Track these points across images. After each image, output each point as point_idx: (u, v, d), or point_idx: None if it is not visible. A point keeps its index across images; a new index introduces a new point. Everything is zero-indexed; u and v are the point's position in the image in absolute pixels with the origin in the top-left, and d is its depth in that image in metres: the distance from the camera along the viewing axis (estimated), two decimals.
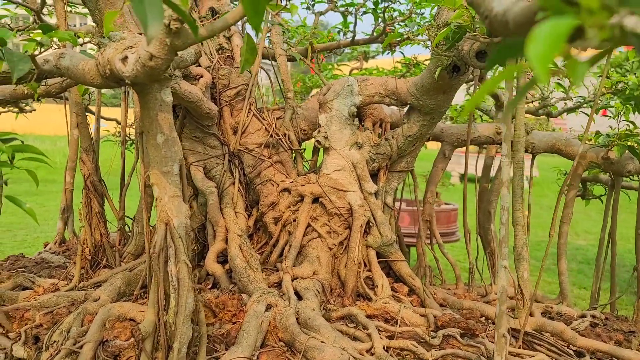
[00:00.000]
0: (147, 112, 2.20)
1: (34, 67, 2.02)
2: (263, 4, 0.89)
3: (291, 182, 3.40)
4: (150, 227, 2.77)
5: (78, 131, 3.62)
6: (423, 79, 2.93)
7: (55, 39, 2.49)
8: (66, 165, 4.35)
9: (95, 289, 3.15)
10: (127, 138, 3.72)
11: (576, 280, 5.83)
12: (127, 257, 3.43)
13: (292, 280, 3.01)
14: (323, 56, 5.41)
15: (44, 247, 4.66)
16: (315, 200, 3.31)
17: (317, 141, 3.26)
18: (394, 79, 3.15)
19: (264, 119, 3.53)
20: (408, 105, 3.28)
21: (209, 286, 3.25)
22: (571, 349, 2.90)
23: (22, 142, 1.89)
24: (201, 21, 3.59)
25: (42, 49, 1.92)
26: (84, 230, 3.35)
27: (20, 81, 2.00)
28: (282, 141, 3.49)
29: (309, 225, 3.27)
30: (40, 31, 1.87)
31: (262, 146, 3.48)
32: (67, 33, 1.92)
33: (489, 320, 3.15)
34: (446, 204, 5.45)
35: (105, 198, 3.44)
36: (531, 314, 3.34)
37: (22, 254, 4.26)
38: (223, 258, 3.31)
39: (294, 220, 3.32)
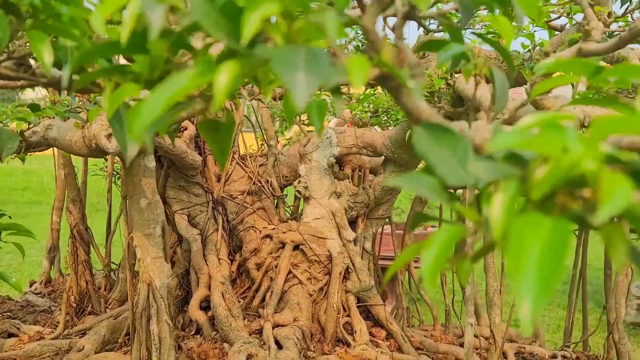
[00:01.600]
0: (131, 178, 2.30)
1: (22, 140, 2.13)
2: (227, 146, 1.00)
3: (273, 229, 3.50)
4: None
5: (64, 172, 3.71)
6: (397, 133, 3.07)
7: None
8: (53, 205, 4.42)
9: (80, 337, 3.22)
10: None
11: (553, 314, 5.96)
12: (112, 304, 3.50)
13: (273, 328, 3.10)
14: None
15: (30, 286, 4.71)
16: (296, 247, 3.42)
17: (298, 191, 3.37)
18: (371, 132, 3.29)
19: (247, 167, 3.64)
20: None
21: (192, 332, 3.33)
22: None
23: (10, 217, 1.99)
24: None
25: (31, 125, 2.03)
26: (69, 277, 3.42)
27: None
28: (264, 188, 3.60)
29: (290, 272, 3.37)
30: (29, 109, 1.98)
31: (245, 193, 3.58)
32: (55, 110, 2.02)
33: None
34: (432, 226, 5.53)
35: (91, 245, 3.52)
36: (505, 355, 3.45)
37: (8, 296, 4.31)
38: (206, 304, 3.39)
39: (276, 267, 3.42)
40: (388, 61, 0.73)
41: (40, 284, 4.60)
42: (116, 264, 3.71)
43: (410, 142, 2.99)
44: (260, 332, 3.15)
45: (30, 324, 3.59)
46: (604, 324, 4.28)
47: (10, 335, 3.44)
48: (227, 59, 0.62)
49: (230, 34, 0.59)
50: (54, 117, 2.17)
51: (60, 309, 3.72)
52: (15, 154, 2.16)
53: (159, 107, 0.59)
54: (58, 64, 1.31)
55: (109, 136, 1.98)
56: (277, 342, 3.01)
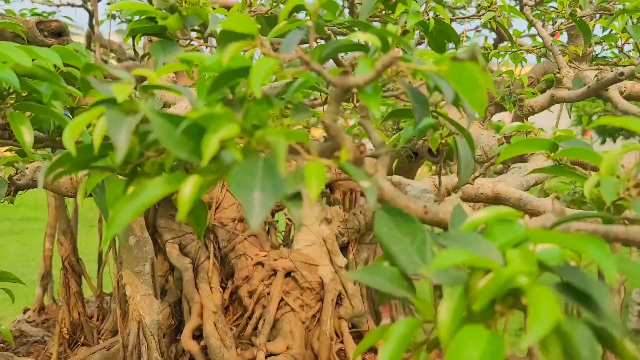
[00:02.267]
0: None
1: (10, 184, 2.16)
2: (204, 221, 1.03)
3: (265, 256, 3.53)
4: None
5: (55, 204, 3.74)
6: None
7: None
8: (45, 232, 4.44)
9: None
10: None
11: None
12: (105, 334, 3.51)
13: (266, 357, 3.11)
14: None
15: (23, 313, 4.71)
16: (288, 274, 3.44)
17: (288, 219, 3.40)
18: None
19: None
20: None
21: None
22: None
23: None
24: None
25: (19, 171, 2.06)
26: (62, 309, 3.43)
27: None
28: None
29: (282, 299, 3.39)
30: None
31: (236, 220, 3.61)
32: (42, 155, 2.06)
33: None
34: None
35: (83, 276, 3.54)
36: None
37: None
38: (199, 332, 3.40)
39: (268, 294, 3.44)
40: (348, 158, 0.76)
41: (34, 311, 4.61)
42: (108, 294, 3.73)
43: (398, 166, 3.02)
44: None
45: (23, 356, 3.59)
46: None
47: None
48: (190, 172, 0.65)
49: (191, 152, 0.62)
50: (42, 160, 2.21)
51: (53, 340, 3.73)
52: (4, 198, 2.19)
53: (136, 210, 0.63)
54: (42, 130, 1.35)
55: None
56: None
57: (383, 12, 1.07)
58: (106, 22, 4.59)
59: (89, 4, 4.69)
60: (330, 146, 0.79)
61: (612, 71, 1.31)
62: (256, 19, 1.17)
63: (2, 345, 3.80)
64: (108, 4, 4.76)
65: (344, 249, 3.55)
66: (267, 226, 3.73)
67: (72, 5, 4.73)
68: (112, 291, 3.62)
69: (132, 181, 0.76)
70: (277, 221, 3.81)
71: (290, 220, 3.41)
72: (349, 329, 3.41)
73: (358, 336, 3.49)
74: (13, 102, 1.06)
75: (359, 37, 0.74)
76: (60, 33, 3.28)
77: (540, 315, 0.50)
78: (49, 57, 1.03)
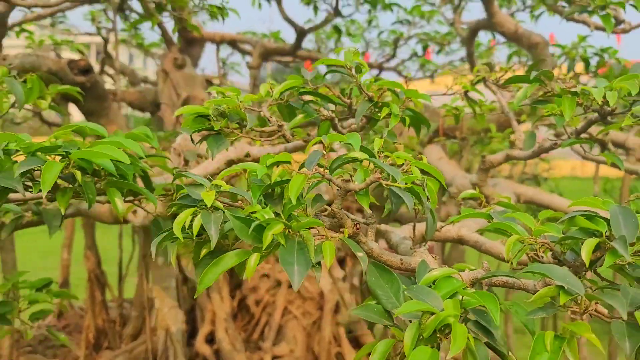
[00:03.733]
0: (148, 240, 2.72)
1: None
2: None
3: (270, 268, 3.92)
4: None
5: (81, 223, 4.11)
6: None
7: None
8: (62, 243, 4.83)
9: None
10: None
11: None
12: (126, 339, 3.90)
13: None
14: None
15: (43, 319, 5.08)
16: (291, 285, 3.84)
17: None
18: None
19: None
20: None
21: None
22: None
23: None
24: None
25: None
26: (87, 316, 3.82)
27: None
28: None
29: (285, 307, 3.79)
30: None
31: None
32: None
33: None
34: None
35: (106, 287, 3.92)
36: None
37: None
38: (210, 337, 3.80)
39: (273, 303, 3.84)
40: (349, 234, 1.17)
41: (53, 317, 4.98)
42: (128, 301, 4.12)
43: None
44: None
45: (50, 359, 3.97)
46: None
47: None
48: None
49: (255, 239, 1.02)
50: None
51: (78, 343, 4.11)
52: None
53: (219, 272, 1.04)
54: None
55: (134, 212, 2.39)
56: None
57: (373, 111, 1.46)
58: (121, 48, 4.95)
59: (102, 31, 5.06)
60: (337, 223, 1.19)
61: (550, 141, 1.71)
62: (277, 107, 1.56)
63: (30, 347, 4.17)
64: (123, 30, 5.12)
65: (341, 262, 3.95)
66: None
67: (89, 34, 5.10)
68: (134, 299, 4.00)
69: (204, 247, 1.16)
70: None
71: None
72: (346, 334, 3.81)
73: (354, 340, 3.89)
74: (104, 181, 1.45)
75: (356, 155, 1.14)
76: (87, 70, 3.68)
77: (458, 339, 0.90)
78: (133, 148, 1.42)
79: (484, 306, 0.98)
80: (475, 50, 4.40)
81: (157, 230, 1.77)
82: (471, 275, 1.17)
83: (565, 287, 0.91)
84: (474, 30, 3.00)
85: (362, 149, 1.17)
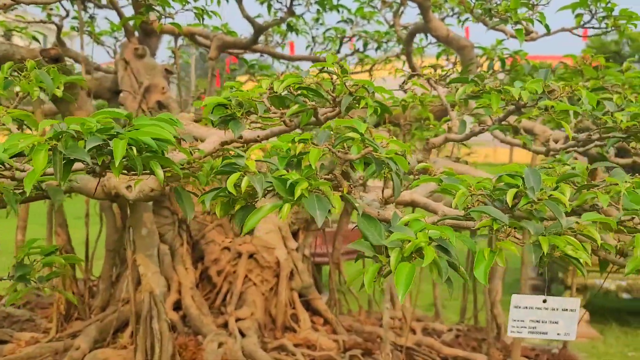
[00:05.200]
0: (135, 214, 3.05)
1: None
2: (191, 208, 1.85)
3: (230, 242, 4.32)
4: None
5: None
6: (330, 162, 3.98)
7: None
8: (17, 225, 4.97)
9: (72, 339, 3.88)
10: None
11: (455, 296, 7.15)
12: (95, 310, 4.17)
13: (236, 322, 3.92)
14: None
15: (0, 300, 5.18)
16: (251, 256, 4.26)
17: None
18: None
19: None
20: None
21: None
22: (440, 356, 4.06)
23: None
24: (149, 112, 4.42)
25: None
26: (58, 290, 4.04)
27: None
28: None
29: (246, 276, 4.20)
30: None
31: (205, 213, 4.36)
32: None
33: (382, 340, 4.24)
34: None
35: (75, 263, 4.15)
36: (414, 332, 4.48)
37: None
38: (177, 305, 4.14)
39: (234, 272, 4.24)
40: (347, 191, 1.63)
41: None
42: (95, 277, 4.37)
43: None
44: (225, 325, 3.96)
45: (19, 332, 4.17)
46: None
47: (3, 342, 4.02)
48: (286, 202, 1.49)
49: (287, 193, 1.46)
50: None
51: (44, 318, 4.33)
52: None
53: (260, 217, 1.47)
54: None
55: (128, 187, 2.72)
56: (240, 332, 3.84)
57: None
58: (74, 35, 5.08)
59: (56, 19, 5.17)
60: (337, 184, 1.65)
61: (479, 127, 2.26)
62: (269, 98, 1.97)
63: None
64: (74, 17, 5.24)
65: (295, 235, 4.40)
66: (230, 217, 4.50)
67: (43, 22, 5.19)
68: (101, 274, 4.26)
69: (237, 203, 1.58)
70: None
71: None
72: (299, 298, 4.29)
73: (305, 303, 4.37)
74: (144, 155, 1.82)
75: (352, 135, 1.60)
76: (57, 59, 3.90)
77: (428, 255, 1.38)
78: (168, 129, 1.80)
79: (444, 237, 1.47)
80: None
81: (178, 196, 2.15)
82: (431, 219, 1.67)
83: (497, 219, 1.42)
84: (412, 33, 3.52)
85: (356, 131, 1.63)
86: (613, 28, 2.97)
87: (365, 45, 4.79)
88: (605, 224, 1.54)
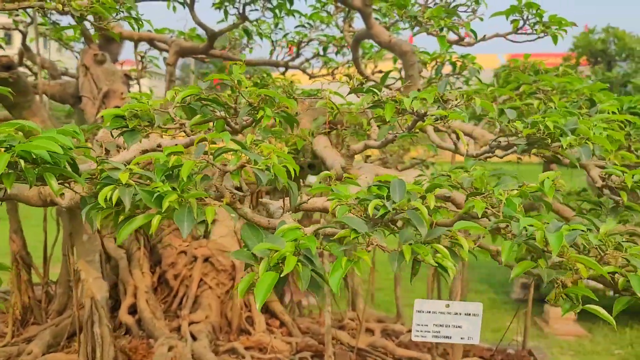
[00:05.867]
0: (74, 220, 3.09)
1: None
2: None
3: (187, 246, 4.36)
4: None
5: (7, 208, 4.35)
6: None
7: None
8: None
9: (27, 344, 3.92)
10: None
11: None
12: (52, 314, 4.21)
13: (189, 325, 3.97)
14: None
15: None
16: (206, 259, 4.30)
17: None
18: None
19: None
20: None
21: (123, 332, 4.12)
22: (391, 357, 4.10)
23: None
24: None
25: None
26: (14, 295, 4.09)
27: None
28: None
29: (201, 279, 4.25)
30: None
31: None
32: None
33: (338, 341, 4.29)
34: None
35: (31, 267, 4.20)
36: (373, 333, 4.53)
37: None
38: (133, 309, 4.19)
39: (190, 276, 4.28)
40: (227, 201, 1.66)
41: None
42: (53, 282, 4.41)
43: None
44: (179, 329, 4.01)
45: None
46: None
47: None
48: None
49: (157, 205, 1.50)
50: None
51: (4, 322, 4.38)
52: None
53: (132, 228, 1.50)
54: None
55: (61, 195, 2.76)
56: (192, 336, 3.89)
57: None
58: (39, 40, 5.12)
59: (20, 25, 5.21)
60: (220, 195, 1.68)
61: (391, 134, 2.31)
62: (182, 108, 2.02)
63: None
64: (41, 24, 5.29)
65: None
66: None
67: (6, 29, 5.23)
68: (58, 278, 4.30)
69: (122, 214, 1.62)
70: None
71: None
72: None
73: (263, 306, 4.41)
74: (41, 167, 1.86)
75: (231, 146, 1.63)
76: (10, 66, 3.94)
77: (289, 264, 1.42)
78: (64, 141, 1.84)
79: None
80: (370, 52, 5.01)
81: (84, 206, 2.19)
82: (312, 228, 1.71)
83: (357, 229, 1.46)
84: (357, 39, 3.56)
85: (237, 142, 1.67)
86: (544, 34, 3.01)
87: (325, 49, 4.83)
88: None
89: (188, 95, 1.95)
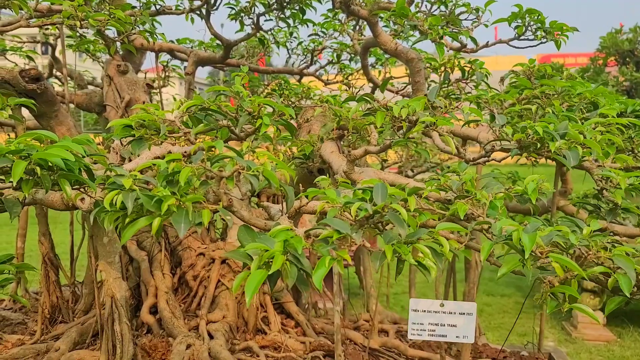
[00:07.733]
0: (96, 223, 3.27)
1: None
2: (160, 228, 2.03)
3: (205, 248, 4.52)
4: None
5: (36, 212, 4.58)
6: (298, 174, 4.14)
7: None
8: (17, 233, 5.27)
9: (54, 341, 4.13)
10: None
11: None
12: (79, 314, 4.42)
13: (207, 324, 4.12)
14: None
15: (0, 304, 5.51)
16: (224, 261, 4.45)
17: (222, 219, 4.40)
18: (280, 172, 4.36)
19: None
20: None
21: (145, 332, 4.30)
22: (403, 357, 4.17)
23: None
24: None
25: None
26: (43, 295, 4.32)
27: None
28: None
29: (219, 280, 4.40)
30: None
31: None
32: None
33: (351, 342, 4.39)
34: None
35: (59, 269, 4.42)
36: (387, 334, 4.61)
37: None
38: (154, 309, 4.36)
39: (208, 277, 4.44)
40: (224, 204, 1.79)
41: (10, 301, 5.42)
42: (79, 282, 4.62)
43: (303, 180, 4.06)
44: (197, 328, 4.16)
45: (9, 334, 4.45)
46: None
47: None
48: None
49: (157, 209, 1.63)
50: None
51: (35, 321, 4.61)
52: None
53: (137, 228, 1.64)
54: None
55: (82, 199, 2.94)
56: (209, 334, 4.03)
57: None
58: (74, 52, 5.38)
59: (50, 38, 5.48)
60: (218, 198, 1.81)
61: (388, 140, 2.40)
62: (189, 117, 2.16)
63: None
64: (69, 37, 5.55)
65: None
66: (208, 225, 4.72)
67: (36, 41, 5.52)
68: (84, 279, 4.52)
69: (132, 215, 1.76)
70: (215, 220, 4.79)
71: (224, 220, 4.40)
72: (272, 301, 4.45)
73: (279, 307, 4.54)
74: (58, 173, 2.02)
75: (227, 153, 1.76)
76: (38, 78, 4.17)
77: (276, 262, 1.54)
78: (78, 149, 2.00)
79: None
80: (382, 59, 5.11)
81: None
82: (303, 229, 1.83)
83: (339, 230, 1.57)
84: (365, 47, 3.67)
85: (233, 149, 1.80)
86: (545, 40, 3.06)
87: (339, 56, 4.95)
88: None
89: (192, 106, 2.09)
